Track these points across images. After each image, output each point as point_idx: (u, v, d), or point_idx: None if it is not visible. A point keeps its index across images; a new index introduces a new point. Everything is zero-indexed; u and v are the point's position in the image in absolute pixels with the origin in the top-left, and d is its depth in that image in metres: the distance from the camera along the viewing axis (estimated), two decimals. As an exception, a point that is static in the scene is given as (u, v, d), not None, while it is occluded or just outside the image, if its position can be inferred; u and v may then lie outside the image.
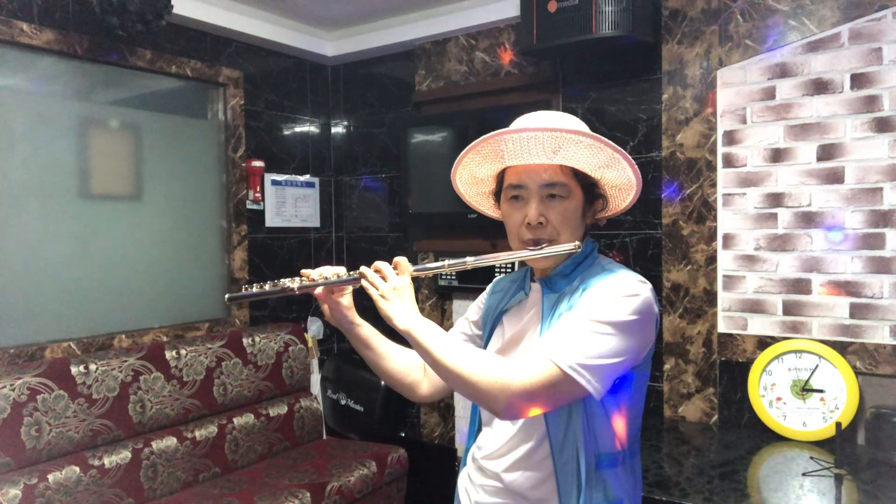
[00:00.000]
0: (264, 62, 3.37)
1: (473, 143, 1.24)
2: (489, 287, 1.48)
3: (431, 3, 3.11)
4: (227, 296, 1.34)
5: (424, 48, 3.31)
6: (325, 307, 1.35)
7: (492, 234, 3.00)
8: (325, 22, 3.39)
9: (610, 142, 1.17)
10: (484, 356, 1.16)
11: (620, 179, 1.25)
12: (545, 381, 1.09)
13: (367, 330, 1.40)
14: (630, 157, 1.20)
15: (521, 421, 1.24)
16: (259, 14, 3.18)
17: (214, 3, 2.98)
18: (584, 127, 1.24)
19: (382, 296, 1.20)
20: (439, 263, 1.25)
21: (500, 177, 1.31)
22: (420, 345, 1.17)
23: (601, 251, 1.34)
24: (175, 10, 2.66)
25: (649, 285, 1.20)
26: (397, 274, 1.23)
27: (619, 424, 1.21)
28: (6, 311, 2.44)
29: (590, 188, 1.25)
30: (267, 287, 1.29)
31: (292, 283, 1.28)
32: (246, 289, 1.30)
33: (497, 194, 1.33)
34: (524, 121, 1.26)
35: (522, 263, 1.35)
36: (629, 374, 1.20)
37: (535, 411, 1.15)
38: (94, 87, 2.75)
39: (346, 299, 1.36)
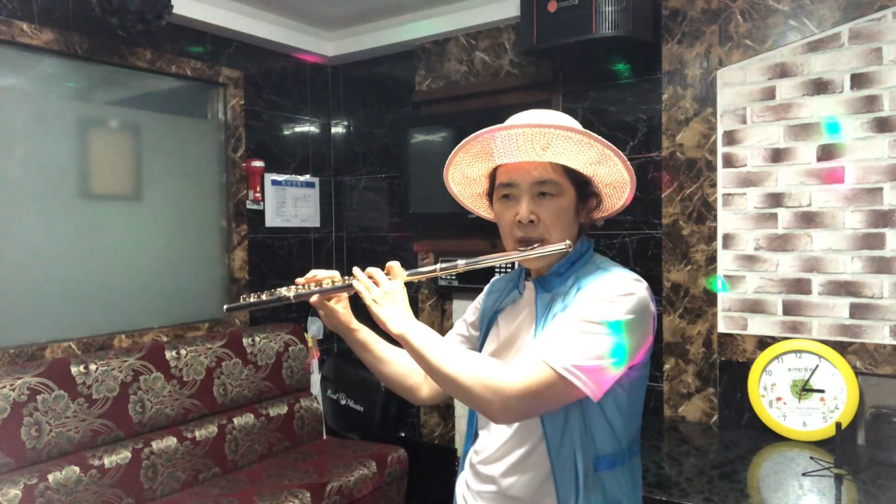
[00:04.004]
0: (264, 62, 3.37)
1: (463, 141, 1.23)
2: (486, 287, 1.48)
3: (431, 3, 3.11)
4: (225, 307, 1.38)
5: (424, 48, 3.32)
6: (322, 313, 1.36)
7: (492, 234, 2.99)
8: (325, 22, 3.39)
9: (600, 138, 1.16)
10: (478, 359, 1.16)
11: (613, 177, 1.23)
12: (540, 384, 1.08)
13: (365, 334, 1.40)
14: (622, 153, 1.18)
15: (516, 423, 1.22)
16: (259, 14, 3.18)
17: (214, 3, 2.98)
18: (574, 124, 1.22)
19: (375, 301, 1.21)
20: (431, 267, 1.25)
21: (492, 176, 1.30)
22: (414, 349, 1.16)
23: (599, 250, 1.33)
24: (175, 10, 2.66)
25: (645, 284, 1.19)
26: (390, 279, 1.23)
27: (618, 425, 1.20)
28: (6, 311, 2.44)
29: (583, 186, 1.24)
30: (264, 296, 1.32)
31: (288, 292, 1.31)
32: (244, 299, 1.34)
33: (490, 195, 1.32)
34: (514, 118, 1.25)
35: (518, 263, 1.34)
36: (627, 373, 1.19)
37: (532, 415, 1.14)
38: (94, 87, 2.75)
39: (343, 305, 1.37)
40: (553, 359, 1.09)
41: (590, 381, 1.09)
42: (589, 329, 1.11)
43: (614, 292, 1.14)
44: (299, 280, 1.33)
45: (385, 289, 1.21)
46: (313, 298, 1.32)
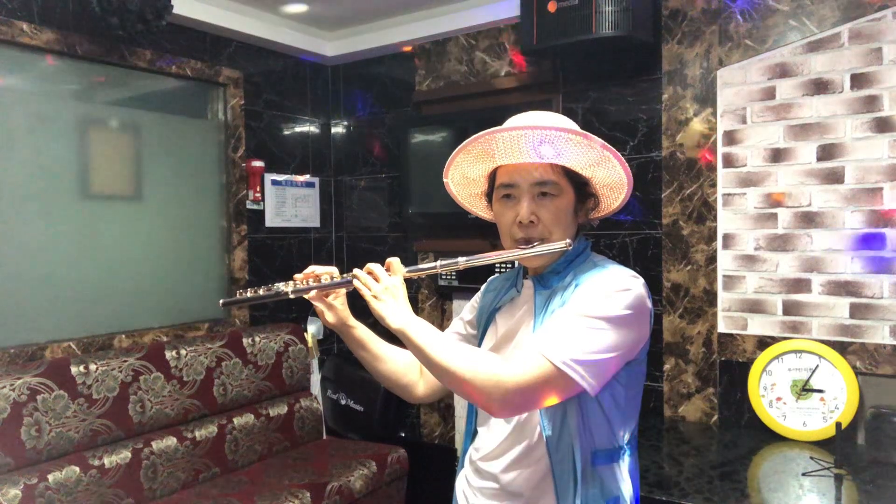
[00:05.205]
0: (264, 62, 3.37)
1: (464, 142, 1.25)
2: (483, 287, 1.48)
3: (431, 3, 3.11)
4: (221, 301, 1.34)
5: (424, 48, 3.32)
6: (319, 309, 1.36)
7: (491, 234, 2.99)
8: (325, 22, 3.39)
9: (600, 140, 1.18)
10: (478, 353, 1.17)
11: (612, 178, 1.25)
12: (539, 378, 1.09)
13: (361, 332, 1.40)
14: (621, 155, 1.20)
15: (515, 420, 1.24)
16: (259, 14, 3.18)
17: (214, 3, 2.98)
18: (574, 126, 1.25)
19: (375, 296, 1.20)
20: (432, 264, 1.25)
21: (492, 177, 1.31)
22: (414, 343, 1.17)
23: (597, 250, 1.34)
24: (175, 10, 2.66)
25: (641, 280, 1.20)
26: (389, 275, 1.23)
27: (616, 420, 1.21)
28: (6, 311, 2.44)
29: (581, 187, 1.26)
30: (261, 291, 1.29)
31: (286, 287, 1.28)
32: (240, 293, 1.31)
33: (489, 195, 1.33)
34: (515, 120, 1.27)
35: (517, 262, 1.35)
36: (625, 369, 1.20)
37: (530, 408, 1.15)
38: (94, 87, 2.75)
39: (340, 301, 1.37)
40: (552, 353, 1.10)
41: (588, 375, 1.10)
42: (587, 324, 1.12)
43: (612, 288, 1.16)
44: (297, 276, 1.32)
45: (385, 284, 1.21)
46: (311, 294, 1.31)
